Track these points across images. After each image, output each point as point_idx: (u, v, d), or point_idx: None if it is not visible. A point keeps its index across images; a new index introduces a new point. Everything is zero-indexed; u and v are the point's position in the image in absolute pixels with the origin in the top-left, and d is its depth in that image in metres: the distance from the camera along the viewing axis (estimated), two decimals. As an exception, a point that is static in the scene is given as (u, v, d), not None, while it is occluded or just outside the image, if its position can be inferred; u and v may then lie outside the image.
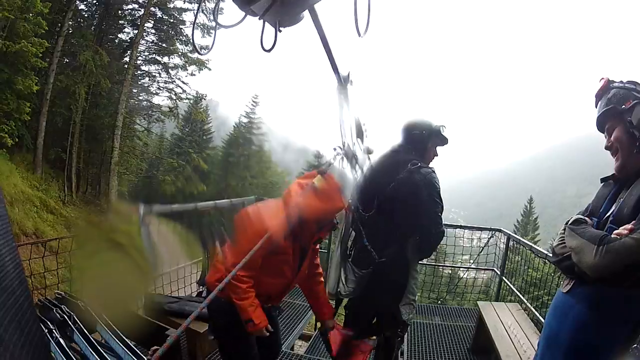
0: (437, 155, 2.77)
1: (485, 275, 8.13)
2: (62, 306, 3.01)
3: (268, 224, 1.97)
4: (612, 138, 1.73)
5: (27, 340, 1.69)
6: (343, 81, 1.96)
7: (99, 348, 2.62)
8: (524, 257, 6.58)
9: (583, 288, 1.66)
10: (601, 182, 1.88)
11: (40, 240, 8.03)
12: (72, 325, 2.80)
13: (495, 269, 6.00)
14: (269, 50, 1.37)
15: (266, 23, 1.37)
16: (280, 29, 1.38)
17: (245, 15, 1.33)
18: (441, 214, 2.56)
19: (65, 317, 2.88)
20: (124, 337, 2.75)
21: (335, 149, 2.23)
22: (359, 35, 1.25)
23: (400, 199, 2.49)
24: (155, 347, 2.77)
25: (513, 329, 3.75)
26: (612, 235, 1.52)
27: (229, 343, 2.42)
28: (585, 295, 1.64)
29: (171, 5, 21.36)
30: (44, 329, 2.62)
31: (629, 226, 1.49)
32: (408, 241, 2.56)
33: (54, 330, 2.65)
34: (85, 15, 20.59)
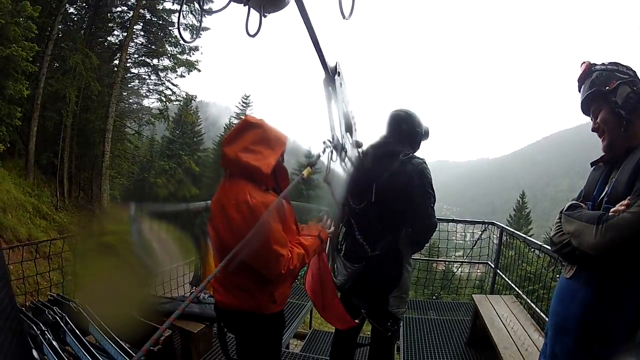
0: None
1: (479, 270, 8.15)
2: (55, 307, 2.98)
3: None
4: (598, 120, 1.73)
5: (8, 341, 1.66)
6: (330, 72, 1.94)
7: (92, 350, 2.60)
8: (517, 252, 6.60)
9: (586, 271, 1.65)
10: (591, 167, 1.88)
11: (31, 242, 7.93)
12: (65, 327, 2.78)
13: (489, 262, 6.02)
14: (254, 36, 1.35)
15: (251, 9, 1.35)
16: (265, 14, 1.36)
17: (229, 1, 1.31)
18: (434, 204, 2.55)
19: (58, 318, 2.86)
20: (117, 339, 2.73)
21: (324, 142, 2.20)
22: (344, 17, 1.22)
23: (393, 190, 2.46)
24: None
25: (509, 320, 3.74)
26: (610, 213, 1.51)
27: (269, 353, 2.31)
28: (589, 278, 1.63)
29: (160, 7, 21.19)
30: (36, 330, 2.60)
31: (625, 202, 1.49)
32: (401, 233, 2.53)
33: (46, 332, 2.62)
34: (75, 19, 20.40)
